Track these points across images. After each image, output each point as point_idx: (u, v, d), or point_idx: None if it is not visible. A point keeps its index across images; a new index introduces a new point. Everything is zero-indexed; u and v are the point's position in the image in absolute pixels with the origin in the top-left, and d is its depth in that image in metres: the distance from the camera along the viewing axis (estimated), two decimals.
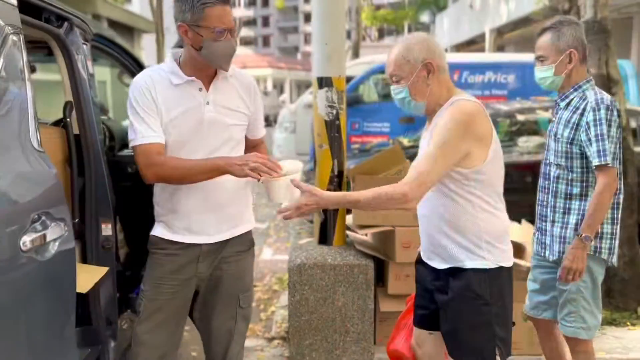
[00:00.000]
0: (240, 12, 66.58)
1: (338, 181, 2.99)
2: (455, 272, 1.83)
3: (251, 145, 2.13)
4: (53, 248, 1.44)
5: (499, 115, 5.99)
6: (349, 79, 9.05)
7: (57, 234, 1.45)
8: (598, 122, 2.11)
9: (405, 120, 8.29)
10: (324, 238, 3.06)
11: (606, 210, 2.17)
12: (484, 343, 1.82)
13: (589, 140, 2.13)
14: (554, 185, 2.28)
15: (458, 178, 1.75)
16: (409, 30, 45.14)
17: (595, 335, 2.31)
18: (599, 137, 2.10)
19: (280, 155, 10.23)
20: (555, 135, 2.27)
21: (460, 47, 21.27)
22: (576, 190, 2.22)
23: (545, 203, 2.34)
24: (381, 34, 46.75)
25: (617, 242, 2.26)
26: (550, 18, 3.64)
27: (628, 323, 3.33)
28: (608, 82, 3.51)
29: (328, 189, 2.99)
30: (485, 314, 1.80)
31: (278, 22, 65.12)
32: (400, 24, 32.61)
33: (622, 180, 2.30)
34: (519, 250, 3.23)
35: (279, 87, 39.82)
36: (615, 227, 2.25)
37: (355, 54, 17.20)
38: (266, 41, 66.82)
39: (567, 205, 2.25)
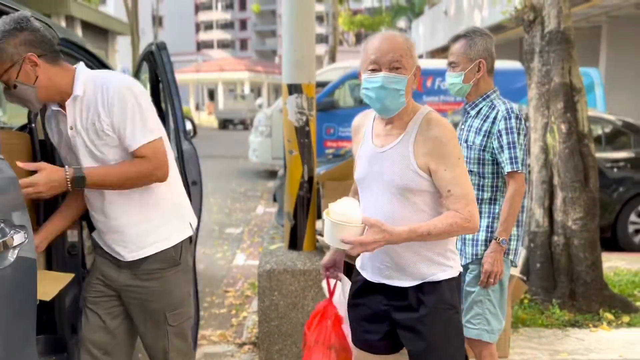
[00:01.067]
0: (217, 15, 66.32)
1: (308, 187, 3.01)
2: (427, 286, 1.74)
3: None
4: (12, 256, 1.43)
5: None
6: (325, 84, 9.13)
7: (17, 242, 1.44)
8: (509, 131, 2.19)
9: None
10: (294, 243, 3.08)
11: (517, 213, 2.24)
12: (458, 352, 1.78)
13: (501, 147, 2.20)
14: None
15: (433, 191, 1.69)
16: None
17: (495, 341, 2.28)
18: (511, 145, 2.18)
19: (255, 159, 10.23)
20: (467, 142, 2.32)
21: (435, 53, 21.55)
22: (487, 195, 2.28)
23: None
24: (358, 39, 47.06)
25: (520, 242, 2.33)
26: (519, 27, 3.74)
27: (590, 325, 3.42)
28: (571, 91, 3.61)
29: (298, 195, 3.02)
30: (457, 322, 1.79)
31: (256, 26, 65.04)
32: (377, 29, 32.84)
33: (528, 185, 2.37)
34: None
35: (257, 91, 39.74)
36: (519, 229, 2.31)
37: (332, 59, 17.31)
38: (244, 44, 66.64)
39: (479, 209, 2.23)
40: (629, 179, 5.46)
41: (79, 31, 14.55)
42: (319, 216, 3.21)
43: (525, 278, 3.64)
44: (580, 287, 3.61)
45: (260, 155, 9.94)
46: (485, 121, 2.27)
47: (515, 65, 8.48)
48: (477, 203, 2.14)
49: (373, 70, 1.67)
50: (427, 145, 1.66)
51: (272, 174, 9.83)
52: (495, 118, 2.24)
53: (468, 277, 2.29)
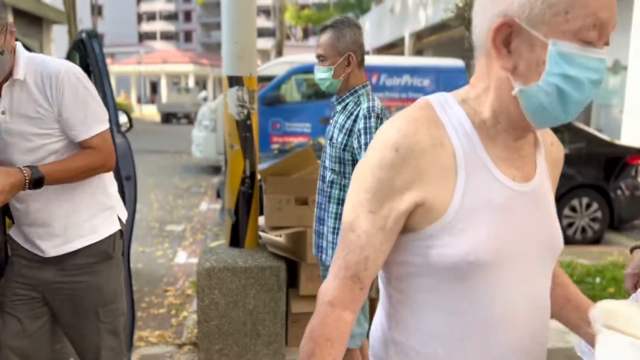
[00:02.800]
0: (160, 5, 64.49)
1: (250, 182, 2.94)
2: None
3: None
4: None
5: None
6: (271, 78, 9.03)
7: None
8: (368, 131, 2.06)
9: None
10: (236, 240, 3.00)
11: None
12: None
13: (360, 148, 2.07)
14: (329, 189, 2.22)
15: None
16: None
17: (358, 345, 2.25)
18: (366, 146, 2.02)
19: (199, 154, 9.99)
20: (331, 139, 2.21)
21: (381, 50, 21.83)
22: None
23: (323, 206, 2.26)
24: (306, 34, 47.02)
25: None
26: (463, 25, 3.78)
27: None
28: None
29: (240, 191, 2.94)
30: None
31: (201, 18, 63.71)
32: None
33: None
34: None
35: (202, 84, 38.99)
36: None
37: (279, 53, 17.19)
38: (188, 36, 65.16)
39: (339, 211, 2.18)
40: (563, 175, 5.66)
41: (9, 19, 13.72)
42: (262, 212, 3.15)
43: None
44: None
45: (204, 151, 9.73)
46: (349, 118, 2.15)
47: (458, 63, 8.69)
48: (339, 204, 2.17)
49: None
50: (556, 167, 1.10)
51: (216, 170, 9.64)
52: (357, 116, 2.12)
53: None
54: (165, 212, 7.15)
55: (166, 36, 64.81)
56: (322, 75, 2.19)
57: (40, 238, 1.77)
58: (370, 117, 2.07)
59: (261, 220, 3.12)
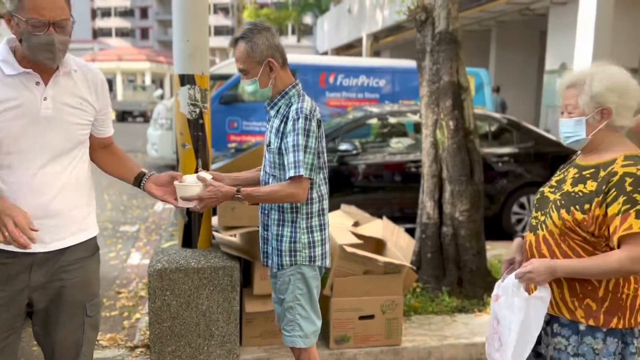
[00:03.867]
0: (115, 1, 62.84)
1: None
2: None
3: (101, 146, 2.01)
4: None
5: (371, 117, 6.28)
6: (228, 77, 8.96)
7: None
8: (295, 132, 2.05)
9: None
10: (188, 241, 2.97)
11: (275, 202, 2.16)
12: None
13: (287, 150, 2.07)
14: None
15: None
16: (292, 31, 45.68)
17: (312, 344, 2.27)
18: (295, 148, 2.04)
19: (155, 154, 9.83)
20: (269, 145, 2.20)
21: (340, 51, 21.97)
22: (289, 204, 2.17)
23: (266, 212, 2.26)
24: None
25: (328, 245, 2.26)
26: (414, 27, 3.86)
27: (475, 310, 3.65)
28: (458, 89, 3.81)
29: None
30: None
31: (157, 14, 62.42)
32: (283, 23, 32.88)
33: (325, 187, 2.25)
34: (379, 245, 3.40)
35: (159, 82, 38.23)
36: (319, 233, 2.21)
37: None
38: (145, 33, 63.76)
39: (281, 217, 2.19)
40: (513, 173, 5.90)
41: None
42: (214, 212, 3.13)
43: (415, 268, 3.80)
44: (466, 275, 3.83)
45: (160, 150, 9.56)
46: (282, 121, 2.13)
47: (413, 64, 8.84)
48: (280, 211, 2.19)
49: None
50: None
51: (173, 169, 9.46)
52: (287, 118, 2.11)
53: (277, 285, 2.28)
54: (119, 213, 7.00)
55: (122, 33, 63.22)
56: (250, 88, 2.17)
57: (47, 230, 1.74)
58: (298, 119, 2.06)
59: (215, 220, 3.10)
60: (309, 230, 2.19)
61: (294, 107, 2.11)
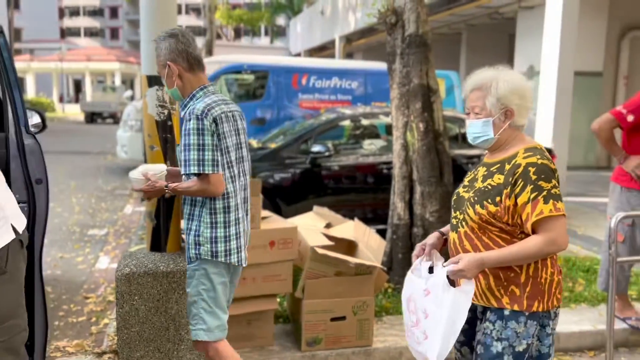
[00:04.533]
0: (84, 0, 61.63)
1: None
2: None
3: None
4: None
5: (343, 119, 6.29)
6: None
7: None
8: (186, 133, 2.14)
9: (257, 122, 8.34)
10: (157, 245, 2.93)
11: (191, 195, 2.24)
12: None
13: (180, 151, 2.19)
14: None
15: None
16: (265, 32, 45.53)
17: (217, 338, 2.32)
18: (186, 148, 2.14)
19: (124, 155, 9.67)
20: (179, 144, 2.36)
21: (313, 52, 22.00)
22: (199, 199, 2.25)
23: (183, 206, 2.38)
24: (238, 34, 46.49)
25: (235, 242, 2.28)
26: (384, 29, 3.89)
27: None
28: (428, 92, 3.85)
29: None
30: None
31: (128, 14, 61.44)
32: (256, 25, 32.76)
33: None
34: (350, 246, 3.41)
35: (129, 83, 37.64)
36: (223, 230, 2.26)
37: (209, 52, 16.90)
38: (114, 33, 62.67)
39: (190, 211, 2.29)
40: None
41: None
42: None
43: (386, 269, 3.83)
44: None
45: (129, 151, 9.41)
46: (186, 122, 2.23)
47: (386, 66, 8.90)
48: (192, 205, 2.29)
49: None
50: None
51: None
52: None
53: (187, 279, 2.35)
54: (88, 216, 6.86)
55: (91, 33, 62.02)
56: (171, 93, 2.32)
57: None
58: (190, 120, 2.15)
59: (183, 223, 3.06)
60: (213, 226, 2.25)
61: (189, 110, 2.20)
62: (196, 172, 2.15)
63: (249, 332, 3.09)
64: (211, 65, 9.87)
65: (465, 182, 1.97)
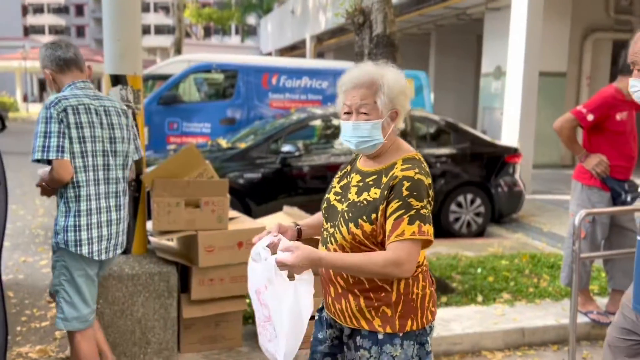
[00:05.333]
0: None
1: (137, 185, 2.84)
2: None
3: None
4: None
5: (314, 118, 6.30)
6: (168, 77, 8.74)
7: None
8: (36, 122, 2.26)
9: (227, 122, 8.27)
10: None
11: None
12: None
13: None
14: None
15: None
16: (236, 31, 45.24)
17: (79, 328, 2.38)
18: (34, 136, 2.24)
19: None
20: None
21: (284, 52, 21.95)
22: (61, 189, 2.34)
23: None
24: (208, 33, 46.05)
25: (87, 233, 2.31)
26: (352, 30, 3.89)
27: None
28: None
29: None
30: None
31: (94, 12, 60.17)
32: (226, 23, 32.50)
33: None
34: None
35: (96, 82, 36.86)
36: (74, 219, 2.30)
37: (178, 51, 16.71)
38: (80, 32, 61.33)
39: (57, 202, 2.40)
40: (450, 173, 6.08)
41: None
42: (150, 216, 3.05)
43: None
44: None
45: None
46: None
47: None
48: (60, 197, 2.37)
49: None
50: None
51: None
52: None
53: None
54: (52, 218, 6.68)
55: (56, 30, 60.54)
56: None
57: None
58: (41, 111, 2.25)
59: (150, 224, 3.02)
60: (66, 214, 2.31)
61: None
62: (39, 157, 2.21)
63: (217, 334, 3.07)
64: (179, 64, 9.75)
65: (337, 187, 1.75)
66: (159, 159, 5.84)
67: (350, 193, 1.67)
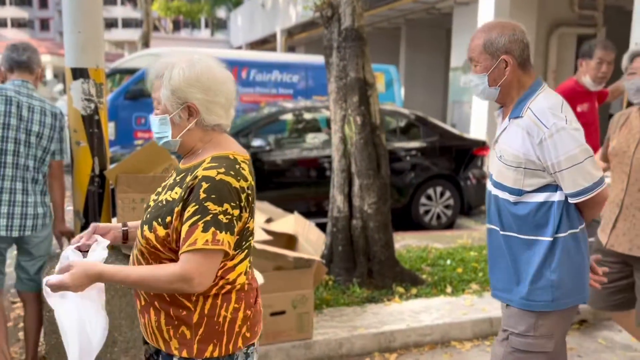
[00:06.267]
0: None
1: (100, 182, 2.77)
2: None
3: None
4: None
5: (284, 112, 6.27)
6: (135, 70, 8.57)
7: None
8: None
9: None
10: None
11: None
12: None
13: None
14: None
15: None
16: (206, 24, 44.63)
17: None
18: None
19: None
20: None
21: (254, 46, 21.76)
22: None
23: None
24: (177, 26, 45.35)
25: None
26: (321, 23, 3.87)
27: (385, 299, 3.75)
28: (364, 85, 3.88)
29: (89, 191, 2.76)
30: None
31: (58, 5, 58.49)
32: (195, 17, 32.03)
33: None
34: (291, 240, 3.41)
35: (61, 77, 35.92)
36: None
37: (146, 44, 16.40)
38: (44, 24, 59.61)
39: None
40: (420, 166, 6.13)
41: None
42: (114, 214, 2.98)
43: (326, 261, 3.85)
44: (376, 266, 3.93)
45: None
46: None
47: None
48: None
49: None
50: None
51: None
52: None
53: None
54: None
55: (19, 23, 58.73)
56: None
57: None
58: None
59: (115, 221, 2.95)
60: None
61: None
62: None
63: None
64: (147, 57, 9.56)
65: (160, 187, 1.59)
66: (126, 154, 5.73)
67: (161, 193, 1.53)
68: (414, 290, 3.88)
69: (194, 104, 1.45)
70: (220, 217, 1.35)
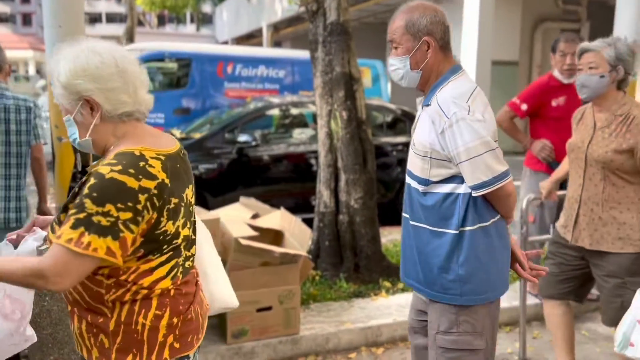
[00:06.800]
0: None
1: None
2: None
3: None
4: None
5: (271, 107, 6.24)
6: None
7: None
8: None
9: (181, 112, 8.10)
10: None
11: None
12: None
13: None
14: None
15: None
16: (191, 19, 44.28)
17: None
18: None
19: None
20: None
21: (240, 41, 21.65)
22: None
23: None
24: (162, 21, 44.93)
25: None
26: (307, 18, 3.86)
27: (372, 294, 3.76)
28: (350, 80, 3.88)
29: (71, 187, 2.73)
30: None
31: None
32: (180, 12, 31.74)
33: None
34: (277, 236, 3.40)
35: (44, 72, 35.47)
36: None
37: (130, 39, 16.23)
38: (27, 19, 58.69)
39: None
40: (406, 161, 6.13)
41: None
42: None
43: (312, 257, 3.85)
44: (363, 260, 3.94)
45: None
46: None
47: None
48: None
49: None
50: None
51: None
52: None
53: None
54: None
55: (0, 19, 57.77)
56: None
57: None
58: None
59: None
60: None
61: None
62: None
63: None
64: (131, 52, 9.45)
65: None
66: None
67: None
68: (400, 285, 3.89)
69: (90, 97, 1.33)
70: (97, 218, 1.23)
